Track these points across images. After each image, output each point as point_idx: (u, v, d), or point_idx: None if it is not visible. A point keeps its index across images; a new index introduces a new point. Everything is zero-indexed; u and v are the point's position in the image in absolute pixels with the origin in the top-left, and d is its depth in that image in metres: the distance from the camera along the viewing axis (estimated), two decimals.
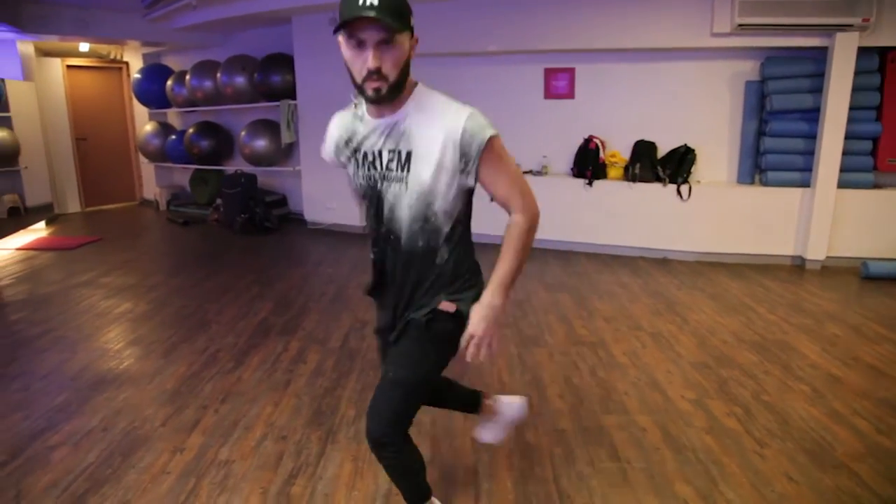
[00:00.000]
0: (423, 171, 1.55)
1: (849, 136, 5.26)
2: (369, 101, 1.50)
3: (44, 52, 8.29)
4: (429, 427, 2.76)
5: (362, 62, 1.42)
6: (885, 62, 5.23)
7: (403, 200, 1.59)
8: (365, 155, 1.62)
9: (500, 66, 6.48)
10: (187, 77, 7.96)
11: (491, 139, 1.54)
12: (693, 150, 5.80)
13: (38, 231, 7.41)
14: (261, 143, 7.51)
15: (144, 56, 9.19)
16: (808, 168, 5.48)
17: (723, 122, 5.88)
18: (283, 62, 7.21)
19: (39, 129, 8.01)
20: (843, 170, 5.33)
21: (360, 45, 1.41)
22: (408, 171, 1.56)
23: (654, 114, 6.05)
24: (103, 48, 8.92)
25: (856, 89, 5.17)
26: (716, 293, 4.79)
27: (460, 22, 6.10)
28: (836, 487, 2.29)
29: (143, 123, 9.13)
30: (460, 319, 1.66)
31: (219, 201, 7.76)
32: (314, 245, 6.72)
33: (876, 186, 5.46)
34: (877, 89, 5.27)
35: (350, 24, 1.39)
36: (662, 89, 5.98)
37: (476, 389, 2.27)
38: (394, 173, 1.57)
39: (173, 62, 8.94)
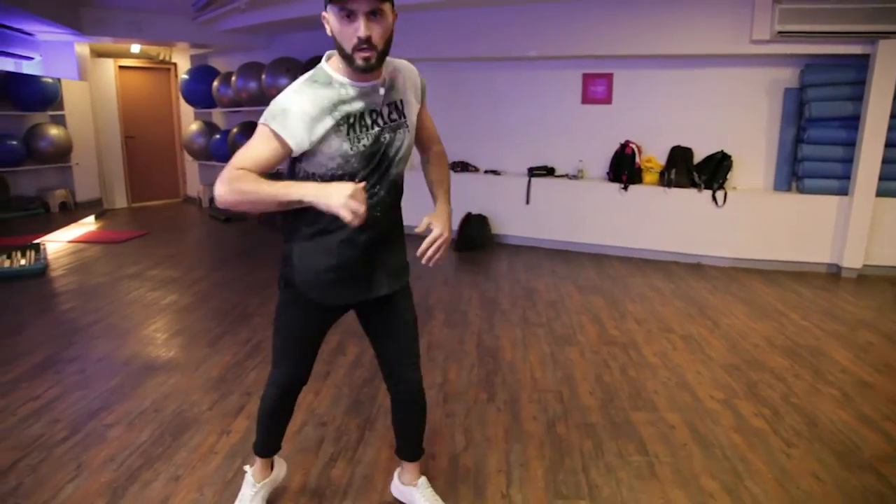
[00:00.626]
0: (411, 112, 1.81)
1: (889, 144, 5.22)
2: (359, 69, 1.59)
3: (98, 53, 8.63)
4: (462, 418, 2.86)
5: (353, 32, 1.53)
6: None
7: (406, 141, 1.80)
8: (362, 115, 1.68)
9: (538, 71, 6.57)
10: (233, 78, 8.19)
11: None
12: (729, 157, 5.80)
13: (87, 225, 7.69)
14: None
15: (192, 57, 9.49)
16: (846, 176, 5.44)
17: (760, 128, 5.87)
18: None
19: (91, 127, 8.33)
20: (882, 178, 5.28)
21: (350, 16, 1.53)
22: (405, 116, 1.78)
23: (690, 120, 6.06)
24: (153, 49, 9.24)
25: None
26: (749, 298, 4.80)
27: (501, 27, 6.20)
28: (862, 487, 2.33)
29: (189, 123, 9.41)
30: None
31: None
32: None
33: None
34: None
35: None
36: (700, 95, 6.00)
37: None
38: (397, 121, 1.76)
39: (219, 63, 9.21)
